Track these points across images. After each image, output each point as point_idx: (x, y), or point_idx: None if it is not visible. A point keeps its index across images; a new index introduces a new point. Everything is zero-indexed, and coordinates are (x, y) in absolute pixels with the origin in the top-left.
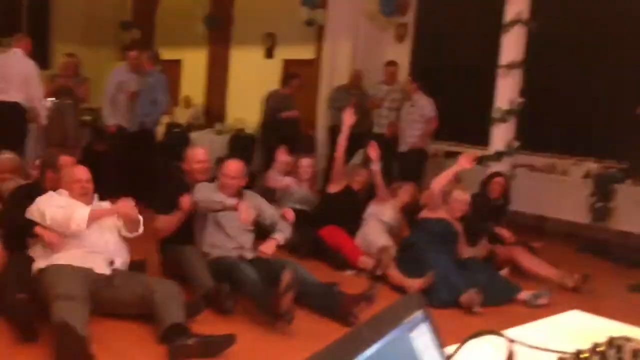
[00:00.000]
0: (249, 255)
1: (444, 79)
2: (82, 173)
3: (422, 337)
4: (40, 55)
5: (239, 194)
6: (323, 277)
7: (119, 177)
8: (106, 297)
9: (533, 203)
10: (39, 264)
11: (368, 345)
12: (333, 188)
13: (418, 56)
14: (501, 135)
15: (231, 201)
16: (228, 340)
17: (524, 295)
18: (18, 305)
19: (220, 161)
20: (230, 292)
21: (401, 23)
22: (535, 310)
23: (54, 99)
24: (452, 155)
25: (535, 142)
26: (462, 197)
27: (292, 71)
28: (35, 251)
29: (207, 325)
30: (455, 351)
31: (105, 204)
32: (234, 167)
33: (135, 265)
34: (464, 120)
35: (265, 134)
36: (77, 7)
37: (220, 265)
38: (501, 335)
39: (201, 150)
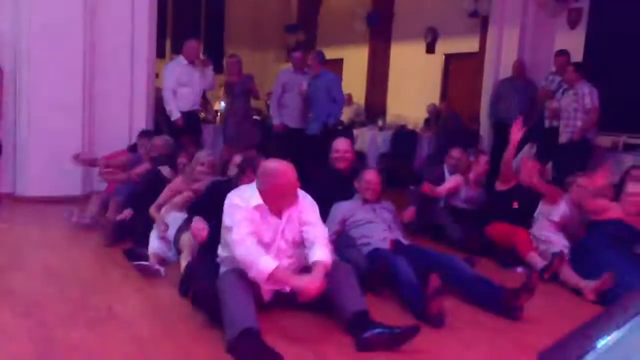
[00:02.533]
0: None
1: (622, 65)
2: (290, 179)
3: None
4: (216, 60)
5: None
6: (492, 276)
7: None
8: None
9: None
10: (222, 268)
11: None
12: (501, 186)
13: (593, 42)
14: None
15: None
16: (412, 331)
17: None
18: (204, 294)
19: (383, 157)
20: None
21: (574, 7)
22: None
23: (226, 99)
24: (634, 147)
25: None
26: (636, 190)
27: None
28: (222, 250)
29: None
30: None
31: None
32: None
33: None
34: None
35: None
36: (246, 13)
37: (375, 257)
38: None
39: (341, 140)
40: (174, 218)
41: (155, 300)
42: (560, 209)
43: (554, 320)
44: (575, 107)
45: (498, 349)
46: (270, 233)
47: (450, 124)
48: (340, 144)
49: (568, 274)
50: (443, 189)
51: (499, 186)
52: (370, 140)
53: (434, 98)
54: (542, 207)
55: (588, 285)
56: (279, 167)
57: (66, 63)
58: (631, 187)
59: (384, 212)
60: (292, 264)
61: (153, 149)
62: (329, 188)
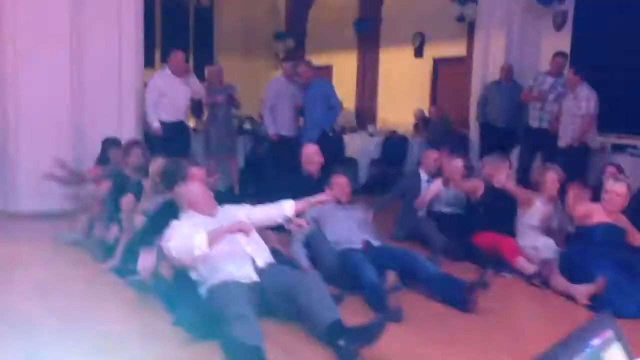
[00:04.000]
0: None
1: (608, 66)
2: (198, 188)
3: (614, 357)
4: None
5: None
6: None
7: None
8: (259, 304)
9: None
10: (202, 287)
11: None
12: (474, 197)
13: (579, 44)
14: None
15: None
16: (383, 323)
17: None
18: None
19: (374, 163)
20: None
21: (559, 10)
22: None
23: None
24: (622, 148)
25: None
26: (615, 188)
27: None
28: (193, 274)
29: None
30: None
31: (232, 209)
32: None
33: None
34: (634, 109)
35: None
36: (235, 22)
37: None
38: None
39: (310, 145)
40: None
41: (145, 317)
42: (538, 211)
43: (517, 318)
44: (573, 112)
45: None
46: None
47: (440, 128)
48: (309, 149)
49: (558, 280)
50: (427, 196)
51: (472, 197)
52: (361, 146)
53: (424, 103)
54: (520, 215)
55: (580, 290)
56: (187, 186)
57: (53, 75)
58: (609, 185)
59: (355, 213)
60: (258, 249)
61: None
62: (300, 192)
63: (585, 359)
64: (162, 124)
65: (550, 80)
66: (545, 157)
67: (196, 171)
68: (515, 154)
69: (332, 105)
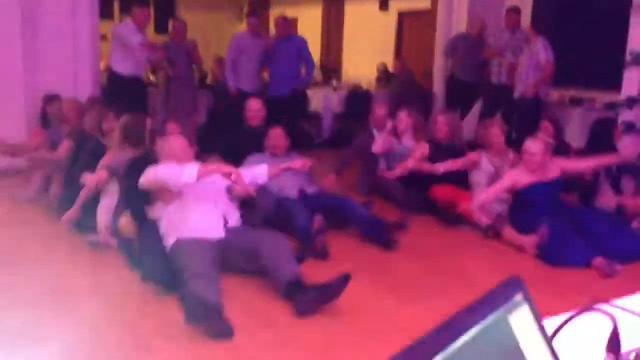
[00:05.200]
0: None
1: (570, 20)
2: (179, 143)
3: (521, 320)
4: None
5: None
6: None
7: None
8: (222, 260)
9: None
10: (169, 240)
11: (464, 330)
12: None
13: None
14: (634, 79)
15: None
16: (344, 282)
17: None
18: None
19: (337, 117)
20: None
21: None
22: None
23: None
24: (579, 102)
25: None
26: (528, 148)
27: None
28: (162, 225)
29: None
30: (557, 330)
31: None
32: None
33: None
34: (593, 64)
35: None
36: None
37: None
38: (604, 311)
39: (254, 100)
40: (106, 206)
41: (104, 275)
42: (486, 168)
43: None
44: (529, 63)
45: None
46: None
47: (404, 82)
48: (253, 103)
49: (507, 232)
50: (378, 148)
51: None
52: (325, 100)
53: (388, 56)
54: (471, 177)
55: (527, 242)
56: (168, 138)
57: (2, 29)
58: (525, 145)
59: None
60: (223, 202)
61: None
62: (243, 144)
63: (492, 322)
64: (119, 76)
65: (506, 36)
66: (505, 112)
67: (173, 127)
68: (476, 109)
69: (308, 63)
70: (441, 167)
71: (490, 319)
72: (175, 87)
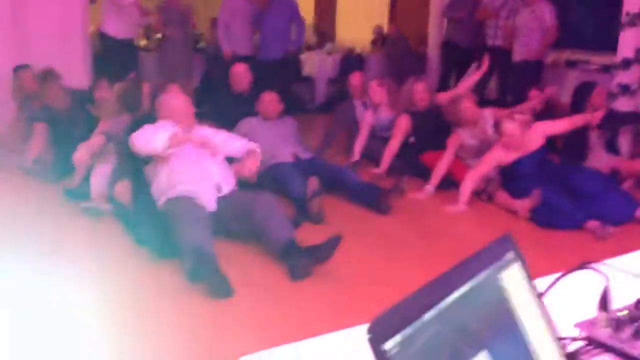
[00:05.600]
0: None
1: None
2: (180, 102)
3: (512, 278)
4: None
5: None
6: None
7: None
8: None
9: None
10: (159, 202)
11: (457, 287)
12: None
13: None
14: (630, 41)
15: None
16: (335, 242)
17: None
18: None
19: (331, 81)
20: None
21: None
22: None
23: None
24: (574, 64)
25: None
26: (506, 129)
27: None
28: (153, 189)
29: None
30: (548, 288)
31: (207, 131)
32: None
33: None
34: (589, 25)
35: None
36: None
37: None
38: (597, 269)
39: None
40: (100, 173)
41: (101, 239)
42: (469, 147)
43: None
44: (532, 26)
45: None
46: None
47: (398, 46)
48: (237, 68)
49: (501, 196)
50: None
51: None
52: (319, 64)
53: (383, 19)
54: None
55: (520, 204)
56: (168, 95)
57: None
58: (503, 127)
59: (284, 128)
60: (220, 166)
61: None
62: (232, 109)
63: (483, 280)
64: (111, 40)
65: None
66: (501, 74)
67: (174, 87)
68: (472, 72)
69: (299, 25)
70: (431, 188)
71: (482, 276)
72: (169, 51)
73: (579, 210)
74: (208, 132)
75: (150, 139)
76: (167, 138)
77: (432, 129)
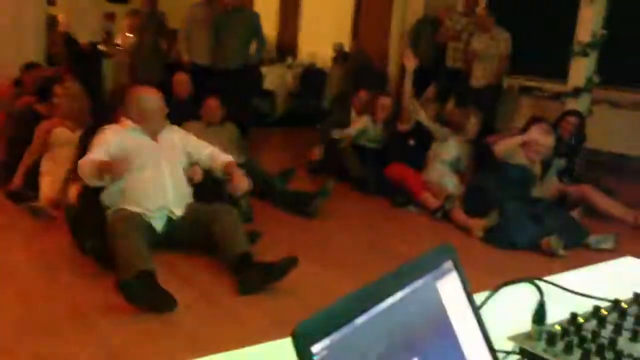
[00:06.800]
0: None
1: (520, 8)
2: (154, 100)
3: (450, 286)
4: None
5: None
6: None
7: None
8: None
9: (614, 141)
10: (108, 212)
11: (391, 293)
12: (401, 126)
13: None
14: (581, 70)
15: None
16: (290, 263)
17: (591, 239)
18: (92, 250)
19: (291, 96)
20: None
21: None
22: (596, 255)
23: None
24: (528, 91)
25: (618, 77)
26: (542, 140)
27: None
28: (105, 194)
29: None
30: (486, 299)
31: (176, 130)
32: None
33: None
34: (542, 53)
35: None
36: None
37: None
38: (533, 282)
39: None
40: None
41: (42, 248)
42: (451, 148)
43: None
44: (490, 52)
45: None
46: (149, 154)
47: (359, 63)
48: (180, 76)
49: (457, 214)
50: (352, 130)
51: (400, 127)
52: (280, 78)
53: (345, 36)
54: (433, 147)
55: (476, 225)
56: (146, 92)
57: None
58: (537, 135)
59: (225, 133)
60: (177, 187)
61: None
62: (173, 115)
63: (420, 287)
64: (76, 44)
65: (464, 20)
66: (458, 96)
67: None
68: (430, 92)
69: (260, 40)
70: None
71: (418, 283)
72: (141, 58)
73: (535, 229)
74: (179, 135)
75: (89, 160)
76: (93, 172)
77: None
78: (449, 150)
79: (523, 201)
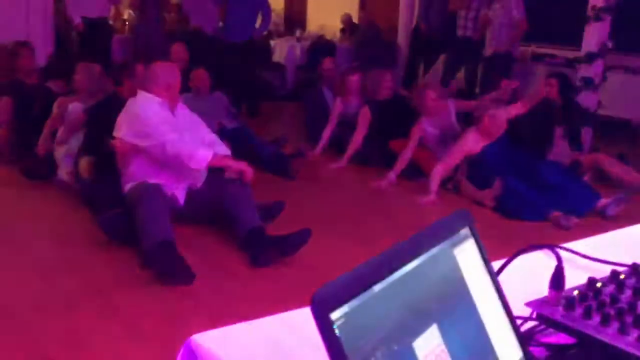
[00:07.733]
0: None
1: None
2: (175, 77)
3: (467, 253)
4: None
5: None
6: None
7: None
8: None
9: (628, 107)
10: (125, 187)
11: (409, 260)
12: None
13: None
14: (594, 36)
15: None
16: (304, 236)
17: (602, 203)
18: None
19: (300, 69)
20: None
21: None
22: (610, 224)
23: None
24: (541, 58)
25: (633, 42)
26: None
27: None
28: (125, 174)
29: None
30: (503, 266)
31: (195, 117)
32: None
33: None
34: (555, 19)
35: None
36: None
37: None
38: (551, 248)
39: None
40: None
41: (57, 220)
42: (431, 135)
43: None
44: (501, 20)
45: None
46: (174, 125)
47: (368, 35)
48: (176, 48)
49: (466, 186)
50: (332, 122)
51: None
52: (288, 51)
53: (353, 7)
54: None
55: (484, 194)
56: (171, 67)
57: None
58: (491, 112)
59: (213, 102)
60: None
61: None
62: None
63: (437, 253)
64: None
65: None
66: (470, 66)
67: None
68: (440, 62)
69: (266, 12)
70: (393, 176)
71: (435, 250)
72: (144, 33)
73: (542, 201)
74: (187, 111)
75: (191, 155)
76: (208, 160)
77: (398, 117)
78: (430, 137)
79: (522, 171)
